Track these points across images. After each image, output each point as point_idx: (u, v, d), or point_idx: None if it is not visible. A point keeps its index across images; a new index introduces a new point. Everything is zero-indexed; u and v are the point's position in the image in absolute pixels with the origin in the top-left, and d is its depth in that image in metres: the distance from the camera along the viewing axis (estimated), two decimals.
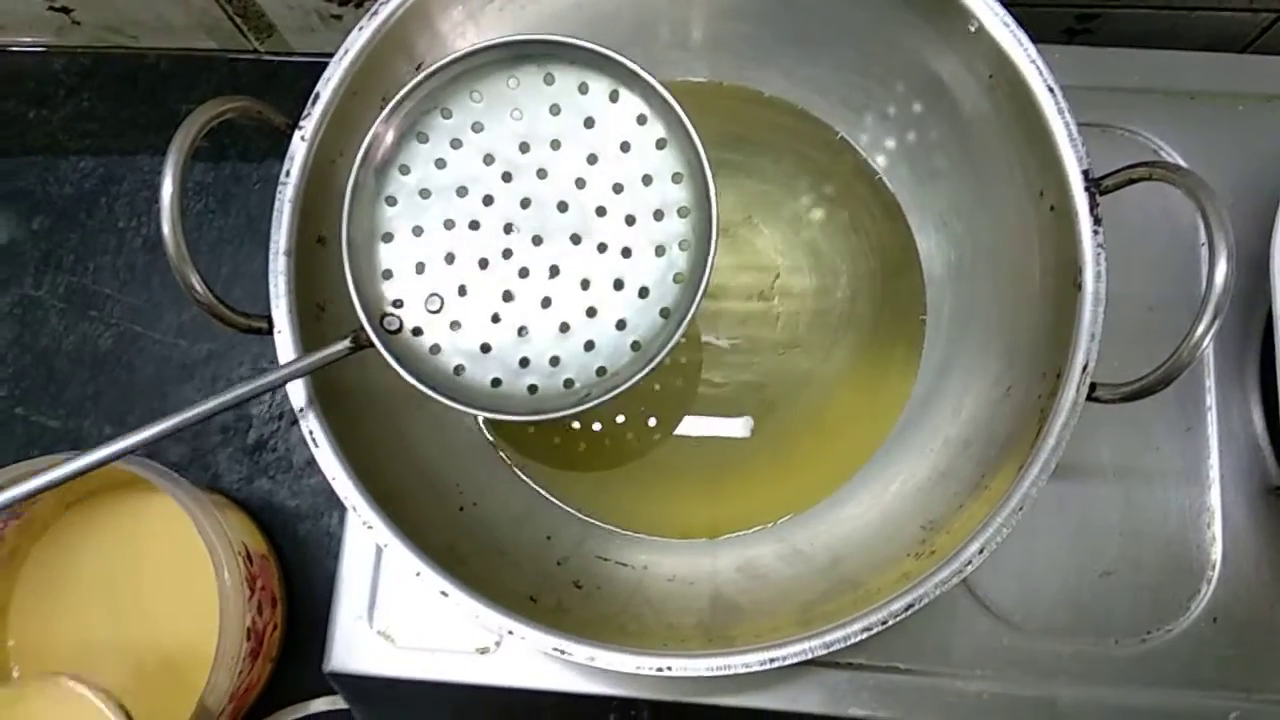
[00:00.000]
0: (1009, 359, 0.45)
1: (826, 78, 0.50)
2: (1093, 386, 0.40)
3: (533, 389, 0.41)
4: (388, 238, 0.42)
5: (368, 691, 0.52)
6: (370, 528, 0.39)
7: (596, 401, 0.40)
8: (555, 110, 0.41)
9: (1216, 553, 0.51)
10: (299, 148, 0.42)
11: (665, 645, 0.39)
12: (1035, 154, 0.42)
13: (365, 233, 0.41)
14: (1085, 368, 0.40)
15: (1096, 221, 0.41)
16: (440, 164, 0.42)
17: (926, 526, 0.42)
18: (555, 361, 0.41)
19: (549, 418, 0.40)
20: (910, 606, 0.38)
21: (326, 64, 0.43)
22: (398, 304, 0.42)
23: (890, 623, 0.38)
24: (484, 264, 0.42)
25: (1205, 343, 0.37)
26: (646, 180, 0.41)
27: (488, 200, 0.42)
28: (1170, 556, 0.51)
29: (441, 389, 0.40)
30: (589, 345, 0.41)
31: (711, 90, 0.53)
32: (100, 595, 0.58)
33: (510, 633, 0.39)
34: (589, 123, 0.41)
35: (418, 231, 0.42)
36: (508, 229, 0.42)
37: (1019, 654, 0.50)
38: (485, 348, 0.42)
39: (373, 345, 0.40)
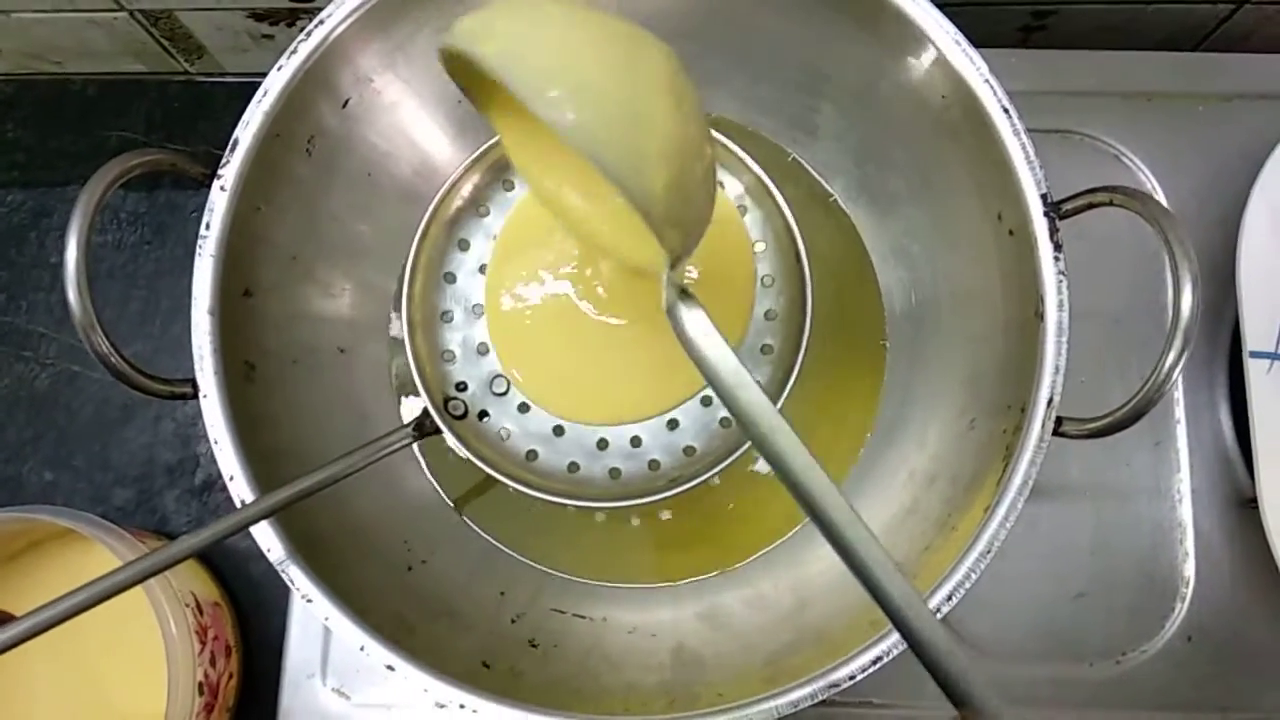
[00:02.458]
0: (973, 389, 0.43)
1: (776, 98, 0.48)
2: (1059, 421, 0.38)
3: (614, 473, 0.40)
4: (446, 316, 0.40)
5: None
6: (310, 601, 0.37)
7: (689, 485, 0.38)
8: None
9: (1190, 569, 0.50)
10: (219, 199, 0.40)
11: (626, 709, 0.38)
12: (992, 178, 0.41)
13: (426, 312, 0.40)
14: (1050, 402, 0.38)
15: (1057, 248, 0.39)
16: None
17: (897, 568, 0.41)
18: (636, 442, 0.40)
19: (638, 503, 0.39)
20: (878, 660, 0.37)
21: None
22: (461, 387, 0.40)
23: (859, 677, 0.37)
24: None
25: (1175, 375, 0.36)
26: None
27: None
28: (1143, 575, 0.50)
29: (515, 476, 0.39)
30: (672, 424, 0.40)
31: None
32: (41, 657, 0.56)
33: (462, 706, 0.37)
34: None
35: (478, 311, 0.40)
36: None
37: (992, 679, 0.49)
38: (558, 430, 0.40)
39: (438, 433, 0.39)
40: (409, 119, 0.46)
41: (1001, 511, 0.38)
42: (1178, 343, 0.35)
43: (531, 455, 0.40)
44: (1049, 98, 0.54)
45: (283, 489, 0.37)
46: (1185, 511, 0.51)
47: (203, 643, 0.55)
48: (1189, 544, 0.50)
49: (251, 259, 0.41)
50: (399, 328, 0.47)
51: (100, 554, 0.56)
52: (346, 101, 0.44)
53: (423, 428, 0.39)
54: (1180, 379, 0.52)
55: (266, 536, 0.38)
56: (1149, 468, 0.51)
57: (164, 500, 0.63)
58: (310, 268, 0.44)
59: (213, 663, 0.56)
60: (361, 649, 0.37)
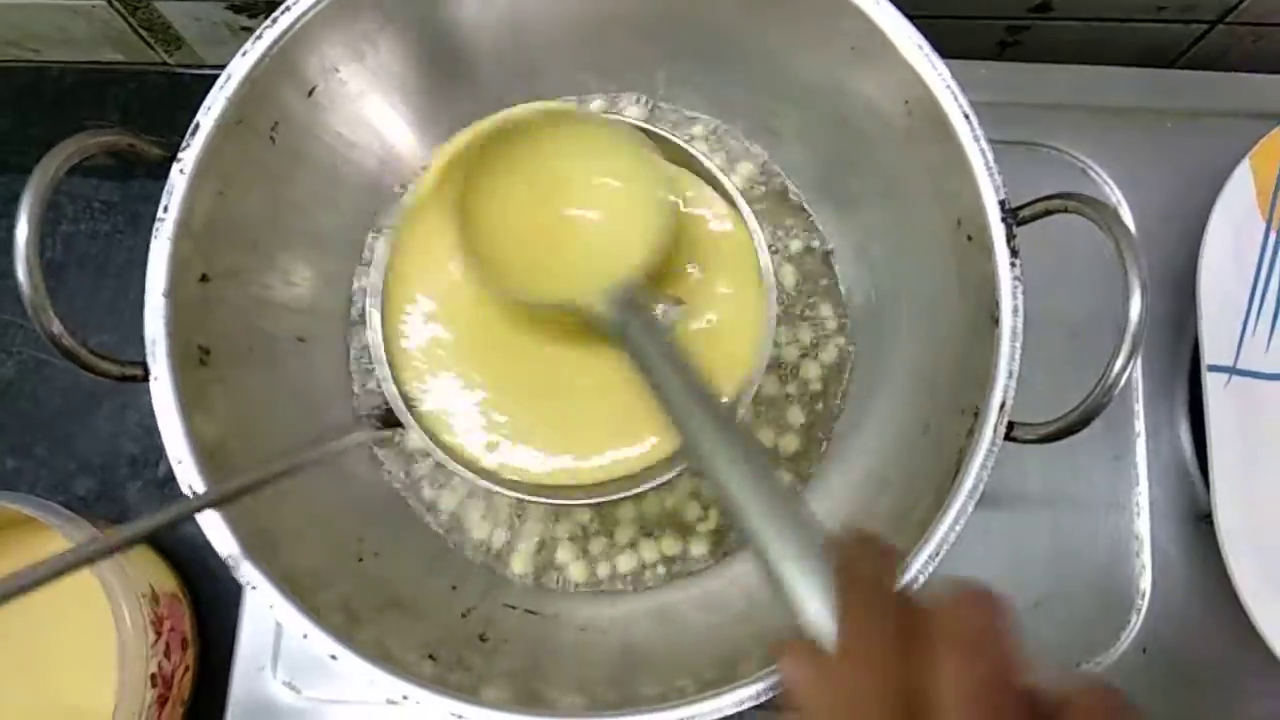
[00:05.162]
0: (930, 394, 0.43)
1: (741, 100, 0.48)
2: (1010, 426, 0.38)
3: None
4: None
5: None
6: (254, 588, 0.37)
7: (659, 481, 0.39)
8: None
9: (1146, 582, 0.50)
10: (178, 181, 0.40)
11: (574, 705, 0.37)
12: (952, 182, 0.41)
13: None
14: (1003, 406, 0.38)
15: (1013, 254, 0.39)
16: None
17: None
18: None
19: (607, 499, 0.39)
20: None
21: None
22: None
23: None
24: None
25: (1122, 380, 0.36)
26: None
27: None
28: (1100, 587, 0.50)
29: (480, 470, 0.39)
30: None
31: None
32: None
33: (405, 697, 0.37)
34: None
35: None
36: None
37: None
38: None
39: (400, 426, 0.39)
40: (374, 110, 0.46)
41: (950, 515, 0.37)
42: (1125, 347, 0.36)
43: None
44: (1017, 109, 0.55)
45: (238, 477, 0.36)
46: (1143, 525, 0.51)
47: (158, 634, 0.55)
48: (1145, 557, 0.50)
49: (210, 243, 0.41)
50: (360, 318, 0.47)
51: (60, 544, 0.56)
52: (312, 90, 0.44)
53: (386, 420, 0.38)
54: (1142, 392, 0.52)
55: (214, 524, 0.37)
56: (1108, 480, 0.51)
57: (126, 491, 0.63)
58: (271, 255, 0.44)
59: (167, 654, 0.56)
60: (305, 637, 0.37)
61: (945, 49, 0.40)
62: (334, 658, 0.37)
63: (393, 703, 0.36)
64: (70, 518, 0.53)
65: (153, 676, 0.54)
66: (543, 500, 0.39)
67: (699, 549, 0.47)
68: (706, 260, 0.41)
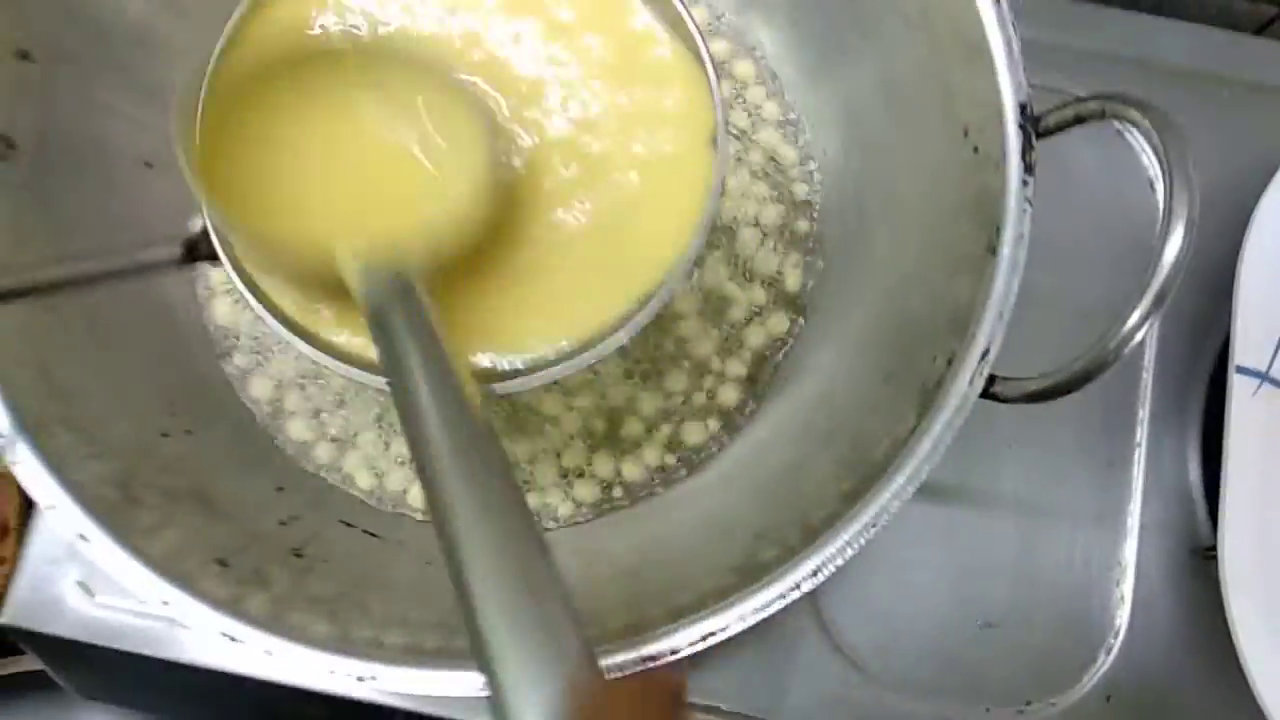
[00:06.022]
0: (896, 333, 0.35)
1: None
2: (991, 379, 0.30)
3: None
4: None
5: (57, 653, 0.41)
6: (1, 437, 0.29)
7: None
8: None
9: (1122, 617, 0.42)
10: None
11: (379, 647, 0.29)
12: (965, 76, 0.33)
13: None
14: (985, 354, 0.30)
15: (1028, 169, 0.31)
16: None
17: (761, 535, 0.33)
18: None
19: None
20: (708, 637, 0.28)
21: None
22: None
23: (680, 653, 0.28)
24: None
25: (1136, 337, 0.28)
26: None
27: None
28: (1068, 614, 0.42)
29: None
30: None
31: None
32: None
33: (165, 603, 0.28)
34: None
35: None
36: None
37: (869, 709, 0.41)
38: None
39: (215, 260, 0.30)
40: None
41: (900, 478, 0.29)
42: (1150, 295, 0.28)
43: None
44: (1054, 53, 0.46)
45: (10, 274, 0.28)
46: (1129, 549, 0.43)
47: None
48: (1126, 587, 0.42)
49: (38, 12, 0.33)
50: None
51: None
52: None
53: (195, 250, 0.30)
54: (1150, 394, 0.44)
55: None
56: (1094, 490, 0.43)
57: None
58: (127, 50, 0.36)
59: None
60: (52, 507, 0.29)
61: None
62: (84, 538, 0.29)
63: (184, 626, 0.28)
64: None
65: None
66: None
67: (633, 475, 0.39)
68: (636, 97, 0.32)
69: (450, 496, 0.23)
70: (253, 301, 0.29)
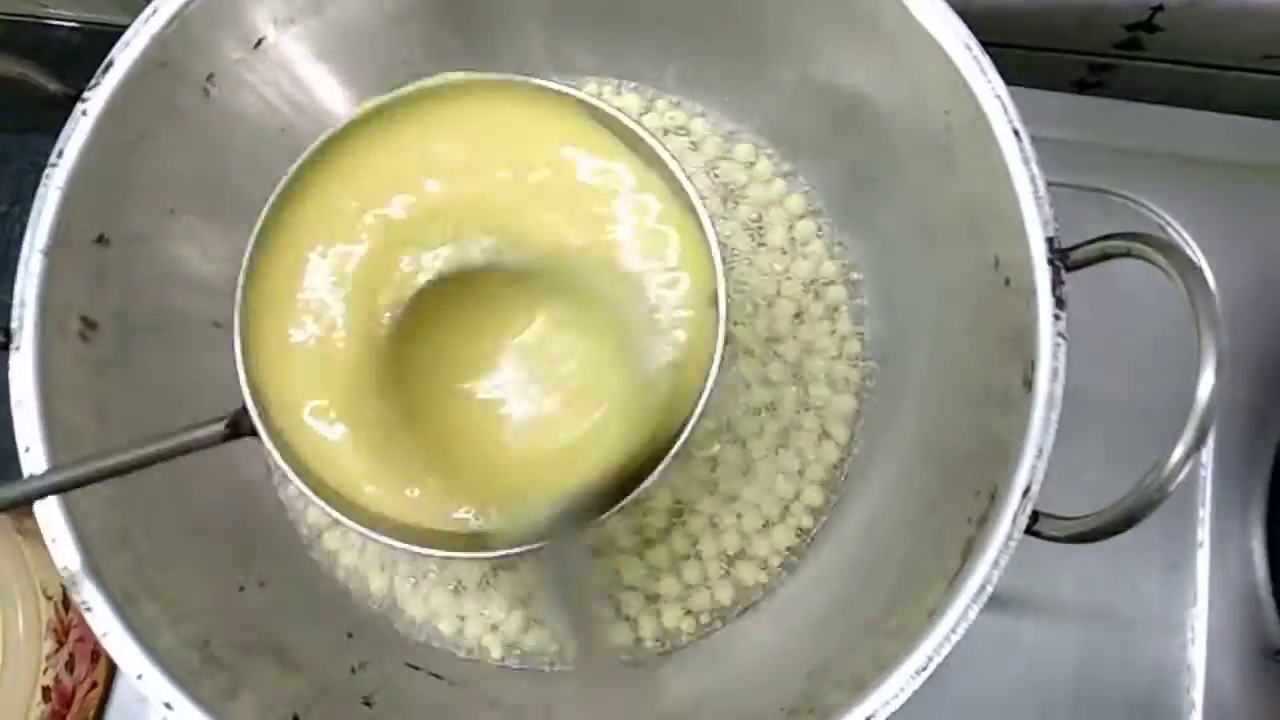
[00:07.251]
0: (939, 467, 0.35)
1: (761, 100, 0.41)
2: (1035, 517, 0.31)
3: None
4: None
5: None
6: (89, 608, 0.31)
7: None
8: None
9: None
10: (81, 125, 0.34)
11: None
12: (992, 213, 0.33)
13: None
14: (1027, 491, 0.31)
15: (1058, 304, 0.32)
16: None
17: (813, 675, 0.33)
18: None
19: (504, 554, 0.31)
20: None
21: None
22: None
23: None
24: None
25: (1182, 473, 0.28)
26: None
27: None
28: None
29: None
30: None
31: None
32: None
33: None
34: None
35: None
36: None
37: None
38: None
39: (256, 435, 0.31)
40: (327, 72, 0.40)
41: (949, 619, 0.30)
42: (1190, 432, 0.28)
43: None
44: (1087, 150, 0.47)
45: (79, 465, 0.30)
46: (1197, 654, 0.42)
47: (59, 643, 0.49)
48: (1197, 694, 0.42)
49: (115, 201, 0.36)
50: None
51: None
52: (259, 41, 0.38)
53: (238, 426, 0.31)
54: (1210, 493, 0.44)
55: (54, 519, 0.31)
56: (1159, 594, 0.43)
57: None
58: (192, 225, 0.38)
59: (69, 667, 0.50)
60: (139, 677, 0.31)
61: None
62: (169, 706, 0.30)
63: None
64: None
65: (45, 690, 0.48)
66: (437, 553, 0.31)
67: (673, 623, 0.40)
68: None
69: None
70: (303, 488, 0.30)
